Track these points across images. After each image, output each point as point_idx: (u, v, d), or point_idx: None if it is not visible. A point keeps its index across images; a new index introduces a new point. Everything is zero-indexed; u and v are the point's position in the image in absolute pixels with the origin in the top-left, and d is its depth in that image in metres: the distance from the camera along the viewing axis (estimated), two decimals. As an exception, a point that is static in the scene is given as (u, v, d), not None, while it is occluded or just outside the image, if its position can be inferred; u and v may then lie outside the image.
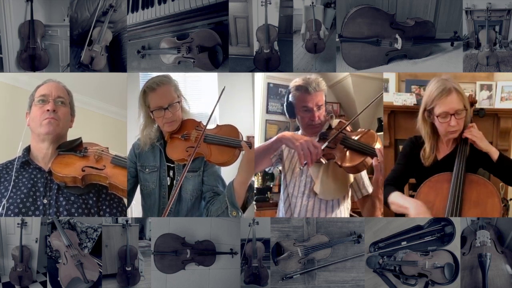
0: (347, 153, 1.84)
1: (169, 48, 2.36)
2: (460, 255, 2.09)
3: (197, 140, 1.87)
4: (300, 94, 1.93)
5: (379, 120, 3.72)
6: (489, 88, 3.14)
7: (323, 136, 1.92)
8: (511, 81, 3.00)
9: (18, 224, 2.14)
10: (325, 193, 1.94)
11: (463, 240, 2.16)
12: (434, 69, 2.33)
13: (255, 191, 3.60)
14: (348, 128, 1.94)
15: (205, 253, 2.15)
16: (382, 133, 3.20)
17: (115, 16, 2.34)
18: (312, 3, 2.31)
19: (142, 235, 2.21)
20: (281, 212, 2.05)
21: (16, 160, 1.92)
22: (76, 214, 1.87)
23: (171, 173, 2.02)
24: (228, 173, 1.99)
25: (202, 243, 2.16)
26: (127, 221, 2.15)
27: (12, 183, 1.86)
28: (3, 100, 2.53)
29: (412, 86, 3.17)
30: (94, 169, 1.86)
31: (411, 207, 1.80)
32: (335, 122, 2.00)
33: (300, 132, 2.06)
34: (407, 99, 3.10)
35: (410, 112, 2.92)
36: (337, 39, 2.33)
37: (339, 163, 1.82)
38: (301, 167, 1.83)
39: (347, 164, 1.80)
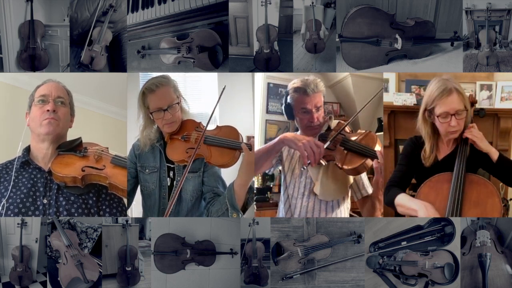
0: (347, 155, 1.84)
1: (169, 48, 2.36)
2: (460, 255, 2.09)
3: (197, 141, 1.87)
4: (298, 96, 1.92)
5: (379, 120, 3.72)
6: (489, 88, 3.14)
7: (322, 138, 1.92)
8: (511, 81, 3.00)
9: (18, 224, 2.14)
10: (325, 194, 1.94)
11: (463, 240, 2.16)
12: (434, 69, 2.33)
13: (255, 191, 3.60)
14: (347, 129, 1.94)
15: (205, 253, 2.15)
16: (382, 133, 3.20)
17: (115, 16, 2.34)
18: (312, 3, 2.31)
19: (142, 235, 2.21)
20: (281, 213, 2.05)
21: (16, 160, 1.92)
22: (76, 214, 1.87)
23: (171, 174, 2.02)
24: (229, 174, 1.99)
25: (202, 243, 2.16)
26: (127, 221, 2.15)
27: (12, 183, 1.86)
28: (3, 100, 2.53)
29: (412, 86, 3.17)
30: (94, 169, 1.85)
31: (420, 209, 1.79)
32: (334, 123, 1.99)
33: (299, 132, 2.06)
34: (407, 99, 3.10)
35: (410, 112, 2.92)
36: (337, 39, 2.33)
37: (339, 165, 1.82)
38: (305, 167, 1.83)
39: (348, 166, 1.80)
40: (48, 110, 1.85)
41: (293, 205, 1.98)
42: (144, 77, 2.34)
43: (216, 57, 2.33)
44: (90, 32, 2.31)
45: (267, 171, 2.07)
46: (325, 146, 1.82)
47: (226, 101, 3.28)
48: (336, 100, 4.19)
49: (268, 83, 3.90)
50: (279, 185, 2.12)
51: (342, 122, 1.98)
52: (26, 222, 2.14)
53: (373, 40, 2.33)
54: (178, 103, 1.96)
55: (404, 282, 2.10)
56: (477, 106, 1.95)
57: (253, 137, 1.88)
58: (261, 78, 3.82)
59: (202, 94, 3.27)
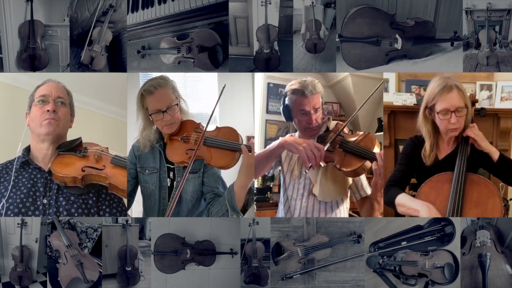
0: (346, 156, 1.84)
1: (169, 48, 2.36)
2: (460, 255, 2.09)
3: (197, 142, 1.87)
4: (296, 98, 1.92)
5: (379, 120, 3.72)
6: (489, 88, 3.13)
7: (321, 139, 1.92)
8: (511, 81, 3.00)
9: (18, 224, 2.14)
10: (324, 195, 1.94)
11: (463, 240, 2.16)
12: (434, 69, 2.33)
13: (255, 192, 3.60)
14: (346, 130, 1.93)
15: (205, 253, 2.15)
16: (382, 133, 3.20)
17: (115, 16, 2.34)
18: (312, 3, 2.31)
19: (142, 235, 2.21)
20: (280, 214, 2.06)
21: (16, 160, 1.92)
22: (76, 214, 1.87)
23: (171, 174, 2.02)
24: (229, 175, 1.99)
25: (202, 243, 2.16)
26: (127, 221, 2.15)
27: (12, 183, 1.86)
28: (3, 100, 2.53)
29: (412, 86, 3.17)
30: (94, 169, 1.85)
31: (421, 209, 1.79)
32: (332, 124, 1.99)
33: (297, 134, 2.06)
34: (407, 99, 3.10)
35: (410, 112, 2.93)
36: (337, 39, 2.33)
37: (338, 167, 1.82)
38: (306, 171, 1.83)
39: (346, 168, 1.80)
40: (48, 110, 1.85)
41: (293, 206, 1.98)
42: (144, 77, 2.34)
43: (216, 57, 2.33)
44: (90, 32, 2.31)
45: (266, 173, 2.08)
46: (325, 148, 1.82)
47: (226, 101, 3.28)
48: (336, 100, 4.19)
49: (268, 83, 3.90)
50: (279, 185, 2.12)
51: (341, 123, 1.98)
52: (26, 222, 2.14)
53: (373, 40, 2.33)
54: (177, 104, 1.95)
55: (404, 282, 2.10)
56: (477, 106, 1.95)
57: (253, 137, 1.88)
58: (261, 78, 3.81)
59: (202, 94, 3.27)
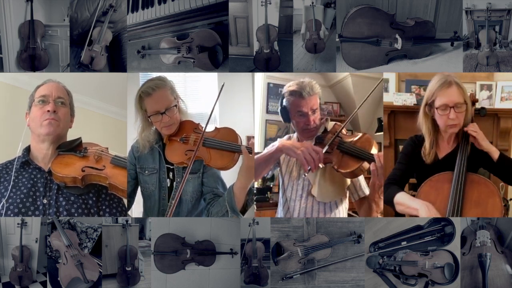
0: (344, 158, 1.83)
1: (169, 48, 2.36)
2: (460, 255, 2.09)
3: (196, 143, 1.86)
4: (294, 99, 1.92)
5: (379, 120, 3.72)
6: (489, 88, 3.13)
7: (319, 140, 1.92)
8: (511, 81, 3.00)
9: (18, 224, 2.14)
10: (323, 196, 1.94)
11: (463, 240, 2.16)
12: (434, 69, 2.33)
13: (255, 192, 3.60)
14: (344, 131, 1.93)
15: (205, 253, 2.15)
16: (382, 133, 3.20)
17: (115, 16, 2.34)
18: (312, 3, 2.31)
19: (142, 235, 2.21)
20: (280, 216, 2.06)
21: (16, 160, 1.92)
22: (76, 214, 1.87)
23: (170, 175, 2.02)
24: (229, 176, 1.99)
25: (202, 243, 2.16)
26: (127, 221, 2.15)
27: (12, 183, 1.86)
28: (3, 100, 2.53)
29: (412, 86, 3.17)
30: (94, 169, 1.85)
31: (421, 208, 1.79)
32: (330, 124, 1.99)
33: (295, 135, 2.06)
34: (407, 99, 3.10)
35: (410, 112, 2.93)
36: (337, 39, 2.33)
37: (336, 168, 1.82)
38: (305, 174, 1.83)
39: (344, 170, 1.80)
40: (48, 111, 1.85)
41: (292, 207, 1.98)
42: (144, 77, 2.34)
43: (216, 57, 2.33)
44: (90, 32, 2.31)
45: (265, 175, 2.08)
46: (323, 151, 1.81)
47: (226, 101, 3.28)
48: (336, 100, 4.19)
49: (268, 83, 3.90)
50: (279, 185, 2.12)
51: (339, 124, 1.98)
52: (26, 222, 2.14)
53: (373, 40, 2.33)
54: (175, 105, 1.95)
55: (404, 282, 2.10)
56: (477, 105, 1.95)
57: (253, 137, 1.88)
58: (261, 78, 3.82)
59: (202, 94, 3.27)
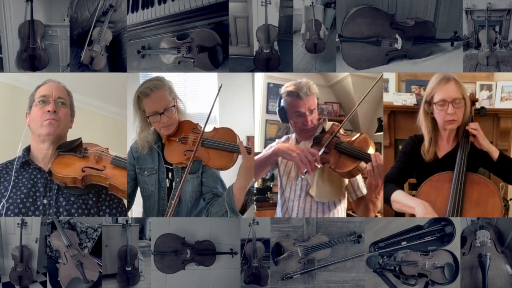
0: (341, 158, 1.83)
1: (169, 48, 2.36)
2: (460, 255, 2.09)
3: (195, 143, 1.87)
4: (291, 100, 1.92)
5: (379, 120, 3.72)
6: (489, 88, 3.13)
7: (317, 140, 1.92)
8: (511, 81, 3.00)
9: (18, 224, 2.14)
10: (321, 196, 1.94)
11: (463, 240, 2.16)
12: (434, 69, 2.33)
13: (255, 192, 3.60)
14: (342, 131, 1.93)
15: (205, 253, 2.15)
16: (382, 133, 3.20)
17: (115, 16, 2.34)
18: (312, 3, 2.31)
19: (142, 235, 2.21)
20: (278, 216, 2.05)
21: (16, 160, 1.92)
22: (76, 215, 1.87)
23: (170, 175, 2.02)
24: (228, 175, 1.99)
25: (202, 243, 2.16)
26: (127, 221, 2.15)
27: (12, 183, 1.86)
28: (3, 100, 2.53)
29: (412, 86, 3.17)
30: (94, 169, 1.85)
31: (417, 207, 1.80)
32: (328, 125, 1.99)
33: (294, 135, 2.06)
34: (407, 99, 3.10)
35: (410, 112, 2.92)
36: (337, 39, 2.33)
37: (333, 168, 1.82)
38: (302, 176, 1.83)
39: (341, 170, 1.80)
40: (48, 111, 1.85)
41: (290, 208, 1.98)
42: (144, 77, 2.34)
43: (216, 57, 2.33)
44: (90, 32, 2.31)
45: (264, 176, 2.09)
46: (320, 153, 1.81)
47: (226, 101, 3.29)
48: (336, 100, 4.19)
49: (268, 83, 3.90)
50: (278, 186, 2.13)
51: (337, 124, 1.98)
52: (26, 222, 2.14)
53: (373, 40, 2.33)
54: (174, 105, 1.94)
55: (404, 282, 2.10)
56: (477, 105, 1.96)
57: (253, 137, 1.88)
58: (261, 78, 3.82)
59: (202, 94, 3.27)
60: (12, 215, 1.82)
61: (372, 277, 2.15)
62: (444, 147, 1.95)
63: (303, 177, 1.83)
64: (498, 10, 2.34)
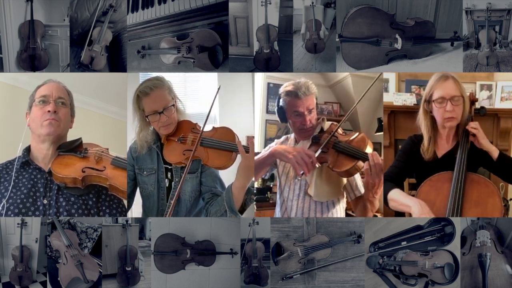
0: (339, 157, 1.84)
1: (169, 48, 2.36)
2: (460, 255, 2.09)
3: (194, 143, 1.87)
4: (290, 99, 1.92)
5: (379, 120, 3.72)
6: (489, 88, 3.13)
7: (316, 140, 1.92)
8: (511, 81, 3.00)
9: (18, 224, 2.14)
10: (320, 195, 1.94)
11: (463, 240, 2.16)
12: (434, 69, 2.33)
13: (255, 191, 3.60)
14: (340, 131, 1.94)
15: (205, 253, 2.15)
16: (382, 133, 3.20)
17: (115, 16, 2.34)
18: (312, 3, 2.31)
19: (142, 235, 2.21)
20: (277, 216, 2.06)
21: (16, 160, 1.92)
22: (76, 215, 1.87)
23: (169, 175, 2.02)
24: (227, 175, 1.99)
25: (202, 243, 2.16)
26: (127, 221, 2.15)
27: (12, 183, 1.86)
28: (3, 100, 2.53)
29: (412, 86, 3.17)
30: (94, 170, 1.85)
31: (414, 206, 1.80)
32: (327, 125, 2.00)
33: (293, 135, 2.06)
34: (407, 99, 3.10)
35: (410, 112, 2.92)
36: (337, 39, 2.33)
37: (331, 167, 1.82)
38: (299, 178, 1.83)
39: (339, 169, 1.80)
40: (49, 111, 1.85)
41: (289, 207, 1.98)
42: (144, 77, 2.34)
43: (216, 57, 2.33)
44: (90, 32, 2.31)
45: (262, 176, 2.09)
46: (316, 155, 1.81)
47: (226, 101, 3.29)
48: (336, 100, 4.19)
49: (268, 83, 3.90)
50: (277, 185, 2.13)
51: (335, 123, 1.98)
52: (26, 222, 2.14)
53: (373, 40, 2.33)
54: (173, 104, 1.95)
55: (404, 282, 2.11)
56: (477, 105, 1.96)
57: (253, 137, 1.88)
58: (261, 78, 3.82)
59: (202, 94, 3.27)
60: (12, 215, 1.81)
61: (372, 277, 2.15)
62: (444, 146, 1.95)
63: (299, 178, 1.83)
64: (498, 10, 2.34)
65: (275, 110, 2.02)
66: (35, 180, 1.89)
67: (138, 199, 2.12)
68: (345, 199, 2.03)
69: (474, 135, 1.86)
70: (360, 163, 1.78)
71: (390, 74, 3.07)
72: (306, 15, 2.34)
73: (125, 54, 2.35)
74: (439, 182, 1.88)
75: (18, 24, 2.31)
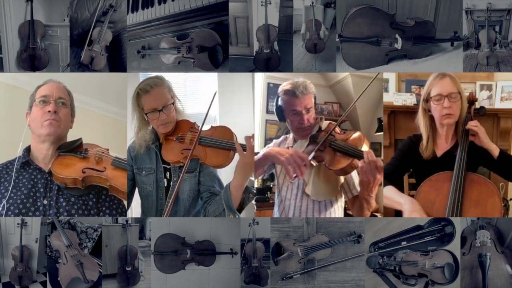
0: (336, 155, 1.84)
1: (169, 48, 2.36)
2: (460, 255, 2.09)
3: (192, 142, 1.87)
4: (288, 98, 1.93)
5: (379, 120, 3.72)
6: (489, 88, 3.14)
7: (313, 139, 1.92)
8: (511, 81, 3.00)
9: (18, 224, 2.14)
10: (317, 195, 1.94)
11: (463, 240, 2.16)
12: (434, 69, 2.33)
13: (254, 191, 3.60)
14: (338, 130, 1.94)
15: (205, 253, 2.15)
16: (382, 133, 3.20)
17: (115, 16, 2.34)
18: (312, 3, 2.31)
19: (142, 235, 2.21)
20: (276, 215, 2.06)
21: (16, 161, 1.92)
22: (76, 215, 1.87)
23: (167, 175, 2.02)
24: (226, 174, 1.99)
25: (202, 243, 2.16)
26: (127, 221, 2.15)
27: (12, 183, 1.86)
28: (3, 100, 2.53)
29: (412, 86, 3.17)
30: (95, 170, 1.85)
31: (405, 203, 1.83)
32: (324, 124, 2.00)
33: (291, 135, 2.06)
34: (407, 99, 3.10)
35: (410, 112, 2.92)
36: (337, 39, 2.33)
37: (328, 166, 1.82)
38: (292, 181, 1.83)
39: (335, 167, 1.80)
40: (49, 111, 1.85)
41: (287, 207, 1.98)
42: (144, 77, 2.34)
43: (216, 57, 2.33)
44: (90, 32, 2.31)
45: (261, 176, 2.09)
46: (311, 156, 1.81)
47: (226, 101, 3.29)
48: (336, 100, 4.19)
49: (268, 83, 3.90)
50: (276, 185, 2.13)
51: (333, 123, 1.99)
52: (26, 222, 2.14)
53: (373, 40, 2.33)
54: (173, 103, 1.96)
55: (404, 282, 2.11)
56: (477, 105, 1.96)
57: (253, 135, 1.88)
58: (261, 78, 3.82)
59: (202, 94, 3.27)
60: (12, 215, 1.81)
61: (372, 277, 2.15)
62: (443, 146, 1.96)
63: (292, 181, 1.83)
64: (498, 10, 2.34)
65: (274, 110, 2.03)
66: (35, 180, 1.89)
67: (137, 199, 2.12)
68: (343, 198, 2.03)
69: (473, 134, 1.86)
70: (356, 161, 1.78)
71: (390, 74, 3.07)
72: (306, 15, 2.34)
73: (125, 54, 2.35)
74: (439, 182, 1.88)
75: (18, 24, 2.31)
